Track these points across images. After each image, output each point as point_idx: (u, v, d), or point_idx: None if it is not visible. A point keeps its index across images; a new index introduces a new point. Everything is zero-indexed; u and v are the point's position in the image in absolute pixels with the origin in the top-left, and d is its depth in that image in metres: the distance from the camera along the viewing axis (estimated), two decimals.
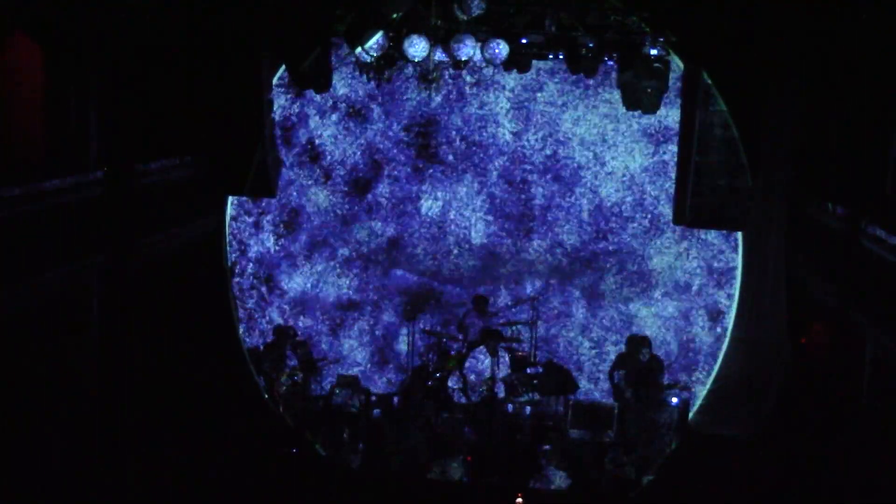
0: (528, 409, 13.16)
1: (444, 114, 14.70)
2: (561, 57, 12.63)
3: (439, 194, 14.93)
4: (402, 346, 14.66)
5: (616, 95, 13.68)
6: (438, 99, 14.56)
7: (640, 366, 13.18)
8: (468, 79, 14.43)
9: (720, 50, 11.38)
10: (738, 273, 12.31)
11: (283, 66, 12.23)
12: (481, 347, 13.61)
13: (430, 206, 15.01)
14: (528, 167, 14.89)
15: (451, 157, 14.88)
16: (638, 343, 13.62)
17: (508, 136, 14.77)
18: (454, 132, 14.78)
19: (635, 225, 14.66)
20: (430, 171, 14.85)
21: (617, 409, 12.93)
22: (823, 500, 10.23)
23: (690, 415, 12.81)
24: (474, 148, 14.87)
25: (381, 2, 11.87)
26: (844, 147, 11.01)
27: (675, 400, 12.84)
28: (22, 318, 9.00)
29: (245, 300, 13.63)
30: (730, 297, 12.95)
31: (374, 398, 13.64)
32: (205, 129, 11.69)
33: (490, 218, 15.08)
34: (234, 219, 12.98)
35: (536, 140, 14.75)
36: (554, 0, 11.97)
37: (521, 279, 15.03)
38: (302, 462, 12.33)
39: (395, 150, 14.85)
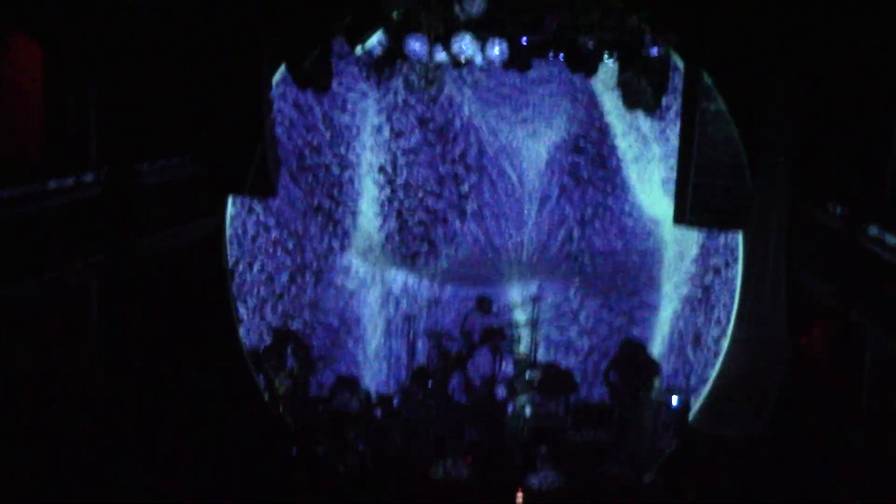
0: (528, 409, 13.17)
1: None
2: (561, 57, 12.64)
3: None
4: (403, 346, 14.66)
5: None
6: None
7: (635, 367, 13.21)
8: None
9: (720, 49, 11.38)
10: (739, 273, 12.29)
11: (283, 66, 12.24)
12: (483, 347, 13.63)
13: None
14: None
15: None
16: (633, 346, 13.65)
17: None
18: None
19: (634, 224, 14.68)
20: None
21: (616, 410, 12.96)
22: (823, 500, 10.22)
23: (690, 415, 12.80)
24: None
25: (381, 1, 11.89)
26: (844, 147, 11.00)
27: (675, 401, 12.85)
28: (22, 318, 9.00)
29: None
30: (729, 294, 12.93)
31: (374, 399, 13.65)
32: (205, 129, 11.69)
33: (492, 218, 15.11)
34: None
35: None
36: (554, 0, 11.99)
37: (523, 279, 15.03)
38: (302, 462, 12.33)
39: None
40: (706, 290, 13.37)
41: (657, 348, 14.12)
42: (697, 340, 13.43)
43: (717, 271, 13.16)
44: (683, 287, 13.97)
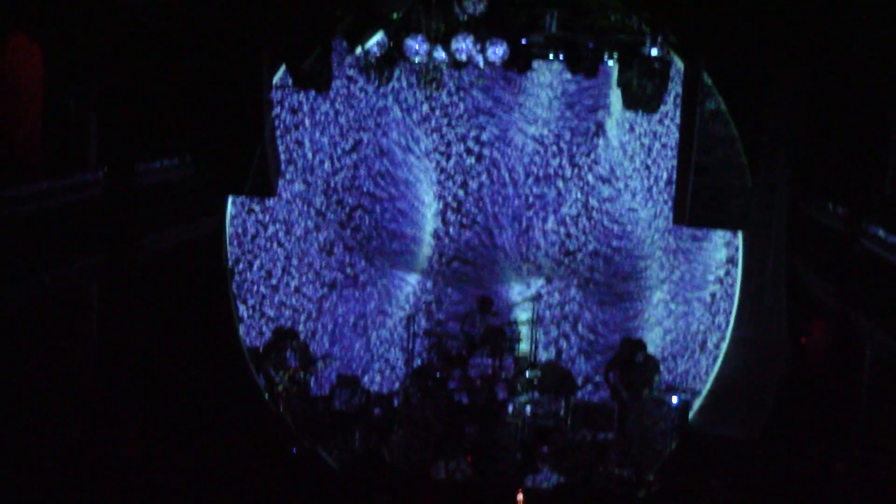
0: (528, 408, 13.17)
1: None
2: (561, 57, 12.63)
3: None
4: (404, 346, 14.66)
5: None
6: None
7: (634, 366, 13.21)
8: None
9: (720, 49, 11.39)
10: (739, 273, 12.29)
11: (283, 66, 12.24)
12: (483, 347, 13.62)
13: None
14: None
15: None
16: (632, 345, 13.65)
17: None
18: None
19: (634, 224, 14.67)
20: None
21: (616, 410, 12.95)
22: (823, 499, 10.23)
23: (690, 415, 12.80)
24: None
25: (381, 2, 11.89)
26: (844, 147, 11.01)
27: (675, 400, 12.85)
28: (22, 318, 9.01)
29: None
30: (729, 296, 12.93)
31: (374, 398, 13.64)
32: (205, 129, 11.71)
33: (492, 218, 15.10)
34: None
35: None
36: (554, 0, 12.00)
37: (523, 279, 15.02)
38: (302, 462, 12.34)
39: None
40: (711, 295, 13.38)
41: (657, 348, 14.12)
42: (703, 345, 13.46)
43: (720, 281, 13.19)
44: (686, 287, 13.97)
